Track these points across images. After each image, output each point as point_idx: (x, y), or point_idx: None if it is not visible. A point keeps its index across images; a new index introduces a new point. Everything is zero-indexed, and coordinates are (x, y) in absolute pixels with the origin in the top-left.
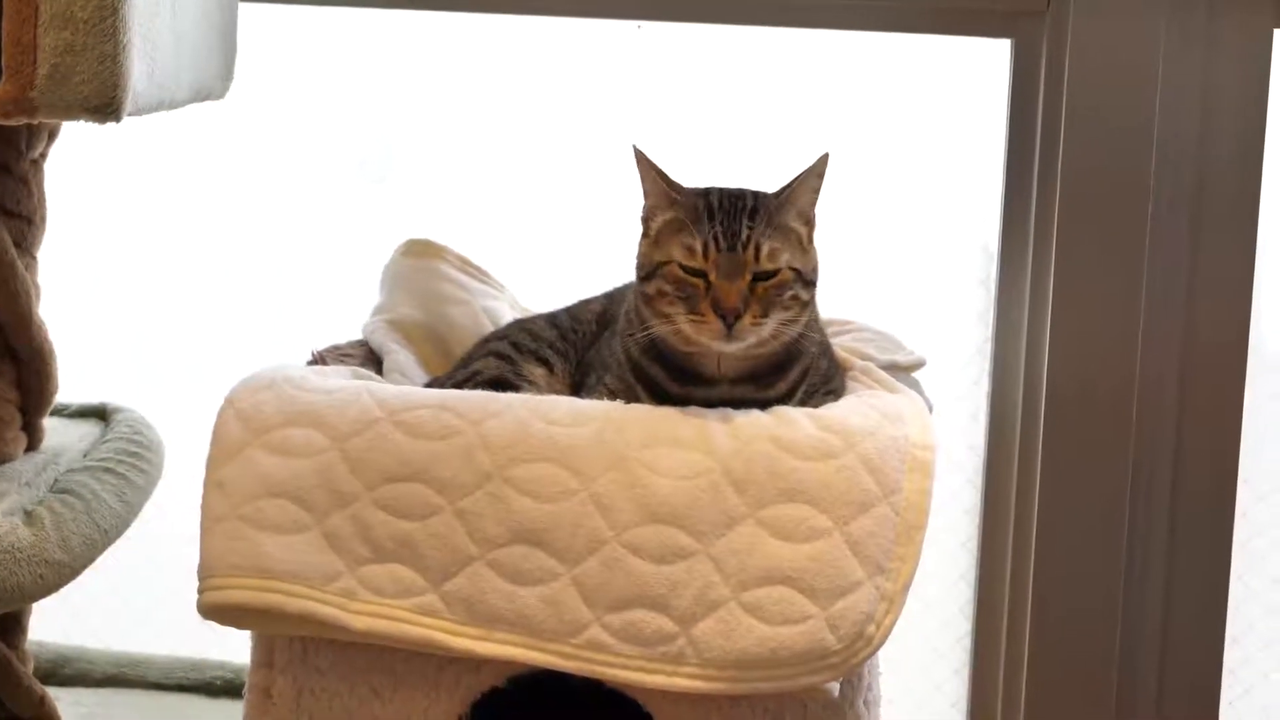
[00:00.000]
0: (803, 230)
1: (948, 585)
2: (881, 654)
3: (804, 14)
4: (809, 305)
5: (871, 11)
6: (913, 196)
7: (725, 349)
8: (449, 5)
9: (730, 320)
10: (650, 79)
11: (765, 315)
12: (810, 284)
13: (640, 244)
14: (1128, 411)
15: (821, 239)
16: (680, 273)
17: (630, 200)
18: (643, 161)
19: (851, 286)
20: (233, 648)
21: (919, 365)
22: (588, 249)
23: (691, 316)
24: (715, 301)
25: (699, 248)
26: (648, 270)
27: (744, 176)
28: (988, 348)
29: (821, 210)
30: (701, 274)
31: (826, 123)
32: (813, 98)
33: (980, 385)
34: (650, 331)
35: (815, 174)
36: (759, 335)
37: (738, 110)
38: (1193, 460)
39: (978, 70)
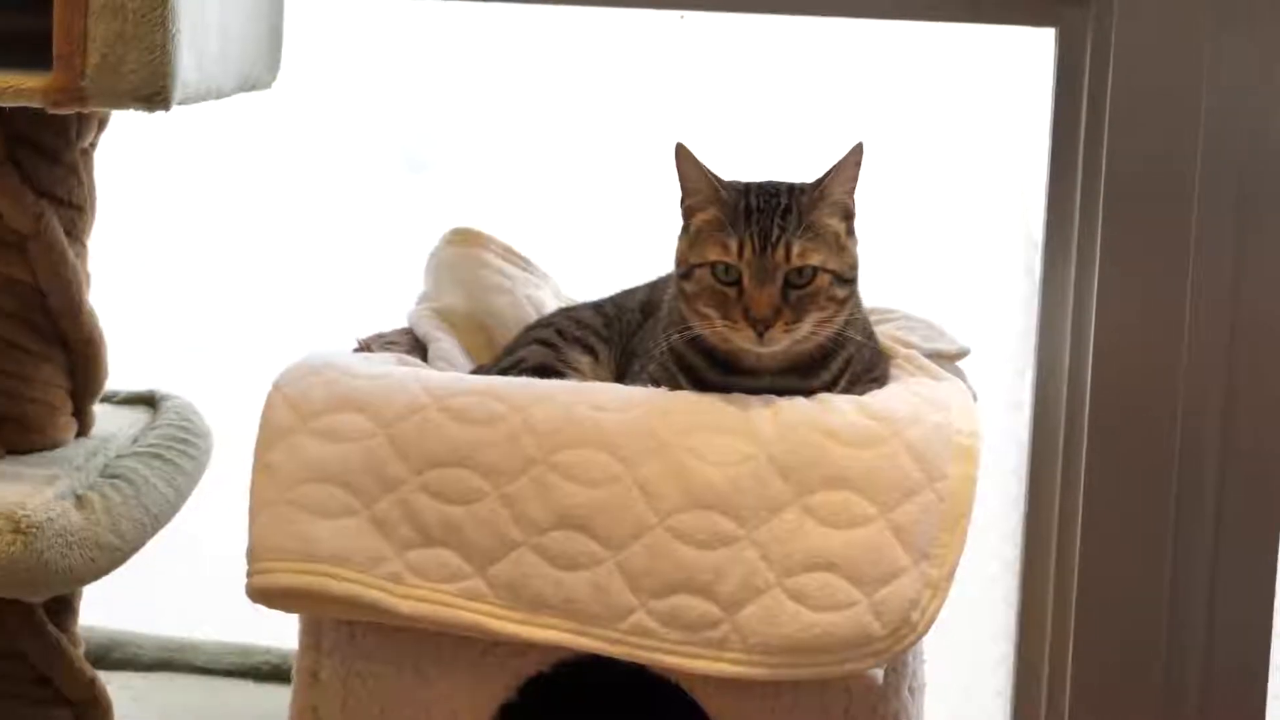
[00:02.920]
0: (840, 225)
1: (992, 575)
2: (926, 641)
3: (848, 4)
4: (847, 302)
5: (915, 1)
6: (958, 185)
7: (760, 351)
8: None
9: (761, 329)
10: (693, 69)
11: (799, 320)
12: (848, 281)
13: (679, 240)
14: (1173, 400)
15: (866, 228)
16: (712, 280)
17: (673, 190)
18: (686, 158)
19: (896, 275)
20: (280, 632)
21: (963, 354)
22: (631, 239)
23: (725, 321)
24: (746, 309)
25: (734, 247)
26: (684, 270)
27: (787, 167)
28: (1032, 337)
29: (866, 199)
30: (735, 280)
31: (871, 112)
32: (857, 88)
33: (1024, 375)
34: (690, 330)
35: (851, 164)
36: (793, 338)
37: (780, 100)
38: (1239, 447)
39: (1023, 59)
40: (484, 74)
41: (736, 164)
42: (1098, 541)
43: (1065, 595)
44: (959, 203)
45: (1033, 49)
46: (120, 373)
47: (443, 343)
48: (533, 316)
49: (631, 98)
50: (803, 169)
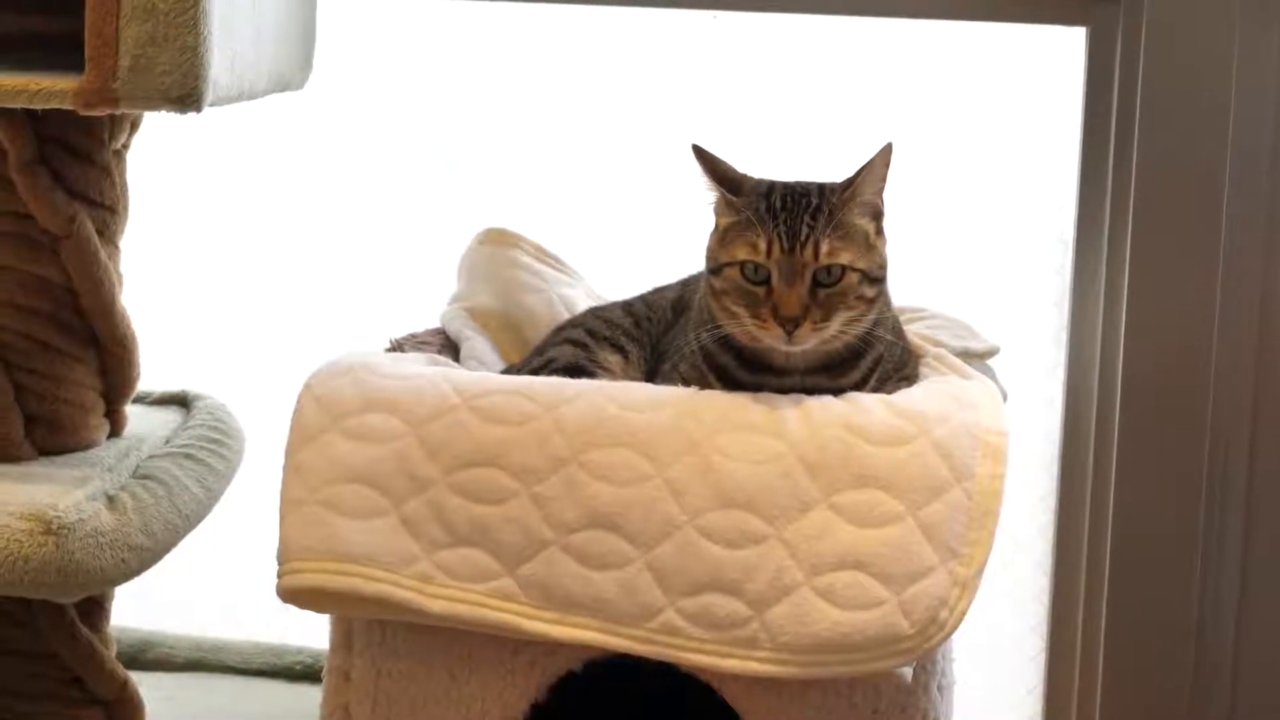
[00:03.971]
0: (869, 225)
1: (1023, 572)
2: (956, 640)
3: (879, 3)
4: (876, 300)
5: (946, 0)
6: (989, 185)
7: (789, 350)
8: None
9: (790, 327)
10: (724, 68)
11: (828, 319)
12: (877, 280)
13: (710, 238)
14: (1204, 398)
15: (897, 228)
16: (741, 279)
17: (704, 188)
18: (704, 159)
19: (927, 274)
20: (312, 633)
21: (993, 352)
22: (663, 237)
23: (754, 320)
24: (775, 308)
25: (763, 246)
26: (713, 267)
27: (819, 166)
28: (1063, 336)
29: (898, 199)
30: (764, 279)
31: (903, 112)
32: (889, 88)
33: (1055, 373)
34: (719, 329)
35: (880, 164)
36: (821, 337)
37: (812, 100)
38: (1270, 446)
39: (1054, 58)
40: (518, 73)
41: (768, 163)
42: (1128, 537)
43: (1096, 590)
44: (990, 202)
45: (1064, 48)
46: (154, 373)
47: (475, 342)
48: (565, 316)
49: (664, 97)
50: (834, 169)
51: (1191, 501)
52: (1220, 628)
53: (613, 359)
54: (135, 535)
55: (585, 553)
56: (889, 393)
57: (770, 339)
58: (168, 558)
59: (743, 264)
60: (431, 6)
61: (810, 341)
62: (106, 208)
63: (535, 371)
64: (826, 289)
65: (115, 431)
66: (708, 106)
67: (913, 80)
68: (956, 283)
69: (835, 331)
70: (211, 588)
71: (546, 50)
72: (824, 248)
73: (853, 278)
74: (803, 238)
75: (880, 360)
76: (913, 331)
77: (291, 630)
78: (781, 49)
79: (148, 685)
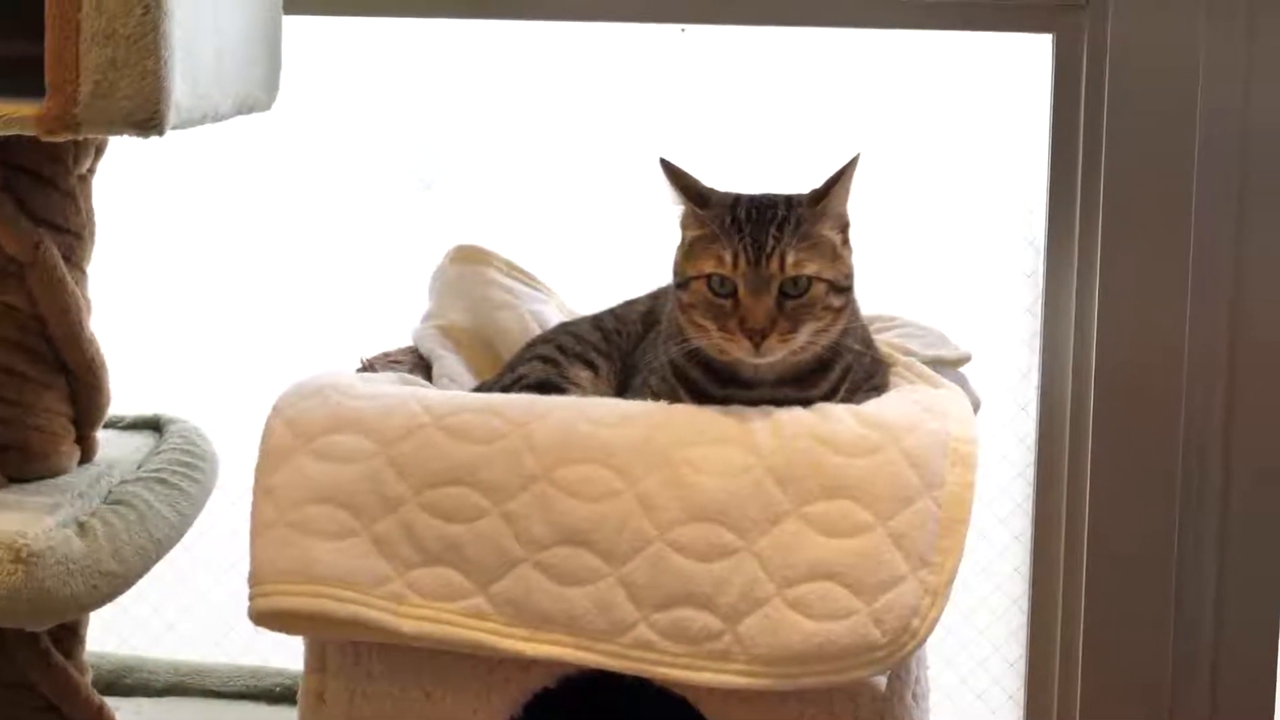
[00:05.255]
0: (836, 236)
1: (1002, 579)
2: (936, 649)
3: (847, 14)
4: (844, 310)
5: (913, 9)
6: (958, 192)
7: (757, 362)
8: (492, 13)
9: (757, 339)
10: (694, 81)
11: (794, 330)
12: (844, 290)
13: (677, 251)
14: (1177, 402)
15: (867, 236)
16: (708, 292)
17: (671, 202)
18: (672, 173)
19: (899, 282)
20: (292, 655)
21: (964, 360)
22: (633, 252)
23: (722, 333)
24: (742, 320)
25: (728, 259)
26: (680, 281)
27: (790, 177)
28: (1036, 341)
29: (868, 208)
30: (731, 292)
31: (873, 122)
32: (856, 97)
33: (1029, 378)
34: (688, 342)
35: (848, 175)
36: (789, 348)
37: (782, 110)
38: (1243, 445)
39: (1021, 65)
40: (487, 90)
41: (740, 175)
42: (1106, 541)
43: (1075, 595)
44: (961, 209)
45: (1030, 55)
46: (126, 397)
47: (447, 360)
48: (537, 332)
49: (635, 111)
50: (805, 179)
51: (1167, 503)
52: (1198, 629)
53: (583, 374)
54: (106, 561)
55: (557, 569)
56: (859, 403)
57: (738, 352)
58: (145, 582)
59: (709, 277)
60: (400, 25)
61: (778, 353)
62: (72, 233)
63: (506, 388)
64: (793, 300)
65: (86, 457)
66: (678, 120)
67: (882, 89)
68: (928, 290)
69: (803, 343)
70: (191, 612)
71: (517, 67)
72: (790, 259)
73: (819, 288)
74: (768, 250)
75: (849, 370)
76: (883, 340)
77: (271, 653)
78: (750, 61)
79: (128, 710)
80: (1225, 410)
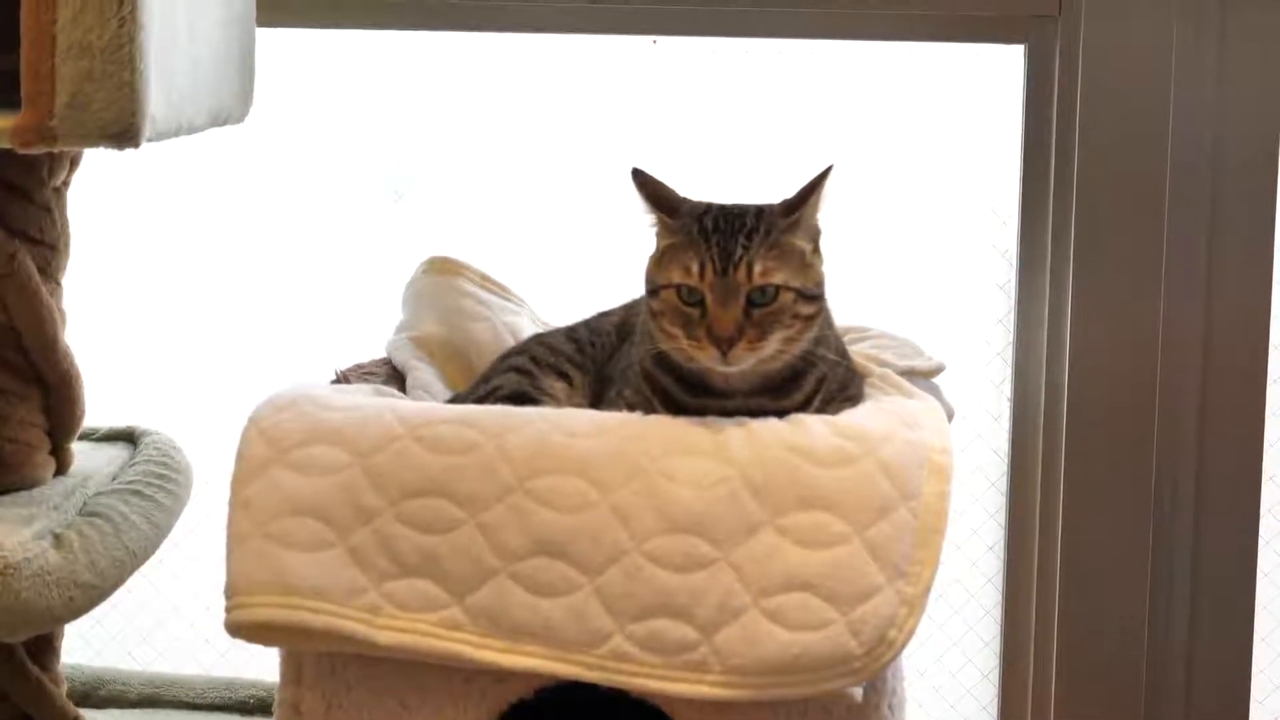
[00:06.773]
0: (806, 245)
1: (975, 589)
2: (911, 659)
3: (818, 26)
4: (814, 319)
5: (885, 21)
6: (930, 203)
7: (725, 370)
8: (465, 25)
9: (725, 348)
10: (666, 93)
11: (763, 338)
12: (814, 299)
13: (649, 260)
14: (1150, 410)
15: (841, 247)
16: (677, 300)
17: (643, 212)
18: (643, 183)
19: (872, 293)
20: (266, 666)
21: (938, 370)
22: (606, 262)
23: (690, 341)
24: (709, 329)
25: (696, 269)
26: (651, 289)
27: (762, 188)
28: (1009, 352)
29: (842, 219)
30: (699, 301)
31: (845, 133)
32: (829, 108)
33: (1002, 389)
34: (659, 349)
35: (820, 185)
36: (758, 356)
37: (754, 122)
38: (1217, 457)
39: (993, 76)
40: (460, 102)
41: (713, 186)
42: (1079, 551)
43: (1048, 606)
44: (933, 220)
45: (1003, 66)
46: (101, 409)
47: (421, 372)
48: (510, 343)
49: (607, 123)
50: (778, 190)
51: (1140, 513)
52: (1172, 639)
53: (557, 385)
54: (82, 573)
55: (533, 580)
56: (834, 413)
57: (706, 359)
58: (120, 594)
59: (678, 286)
60: (372, 37)
61: (747, 362)
62: (47, 245)
63: (480, 400)
64: (761, 309)
65: (61, 469)
66: (651, 131)
67: (855, 101)
68: (902, 301)
69: (772, 351)
70: (165, 623)
71: (489, 79)
72: (757, 268)
73: (788, 297)
74: (736, 259)
75: (823, 381)
76: (857, 351)
77: (246, 665)
78: (722, 73)
79: None
80: (1198, 420)
